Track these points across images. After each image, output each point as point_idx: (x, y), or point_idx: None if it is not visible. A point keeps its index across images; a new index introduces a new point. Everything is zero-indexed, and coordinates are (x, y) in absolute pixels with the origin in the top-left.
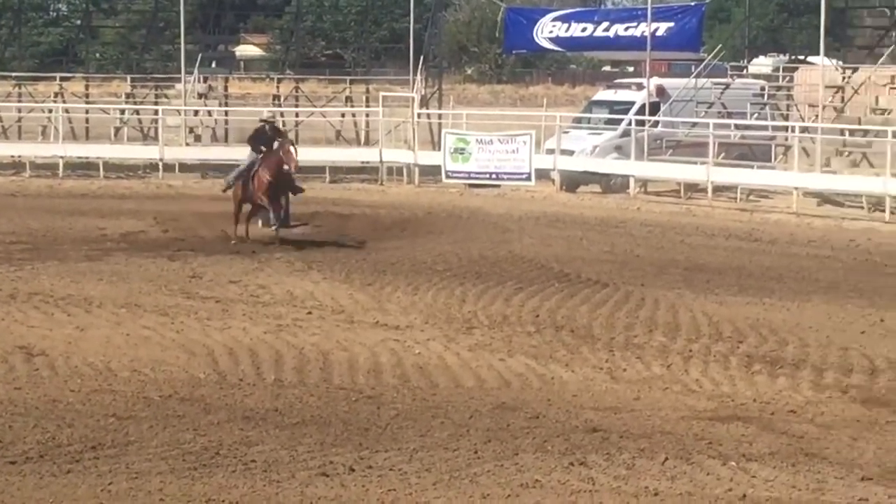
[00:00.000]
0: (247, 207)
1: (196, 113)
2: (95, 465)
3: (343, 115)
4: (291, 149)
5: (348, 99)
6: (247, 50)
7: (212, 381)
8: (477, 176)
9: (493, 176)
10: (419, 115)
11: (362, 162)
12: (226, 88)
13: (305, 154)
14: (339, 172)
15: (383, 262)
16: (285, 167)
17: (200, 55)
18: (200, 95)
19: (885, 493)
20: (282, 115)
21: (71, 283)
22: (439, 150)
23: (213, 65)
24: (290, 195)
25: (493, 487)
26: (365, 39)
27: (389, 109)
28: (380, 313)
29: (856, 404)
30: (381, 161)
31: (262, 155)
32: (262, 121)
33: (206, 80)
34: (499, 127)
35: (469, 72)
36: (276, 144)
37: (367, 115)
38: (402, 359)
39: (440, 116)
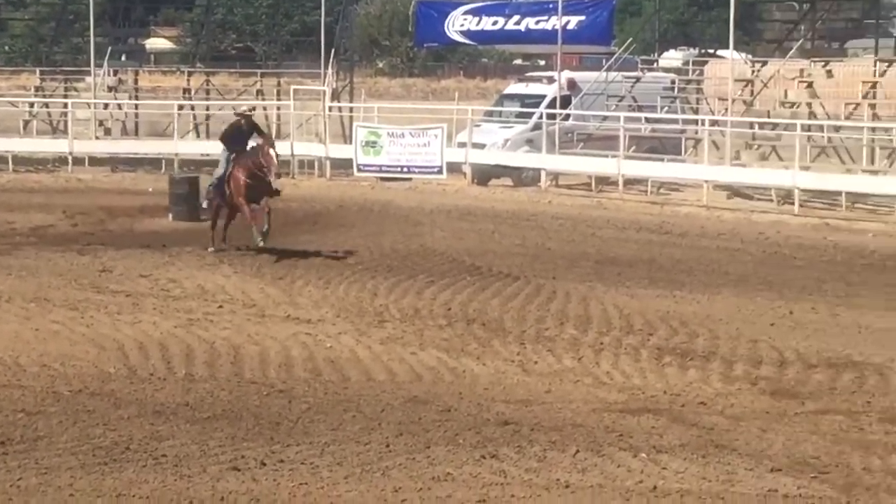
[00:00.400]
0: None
1: (106, 106)
2: (4, 461)
3: (254, 109)
4: (271, 152)
5: (259, 92)
6: (157, 43)
7: (122, 375)
8: (388, 169)
9: (405, 169)
10: (330, 109)
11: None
12: (136, 81)
13: (215, 148)
14: None
15: (294, 255)
16: (263, 170)
17: (110, 48)
18: (110, 88)
19: (794, 483)
20: (192, 108)
21: None
22: (351, 143)
23: (123, 58)
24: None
25: (404, 481)
26: (276, 32)
27: (301, 103)
28: (291, 307)
29: (765, 396)
30: (292, 154)
31: (234, 154)
32: (238, 115)
33: (115, 73)
34: (410, 120)
35: (381, 65)
36: (252, 142)
37: (279, 109)
38: (313, 353)
39: (351, 110)
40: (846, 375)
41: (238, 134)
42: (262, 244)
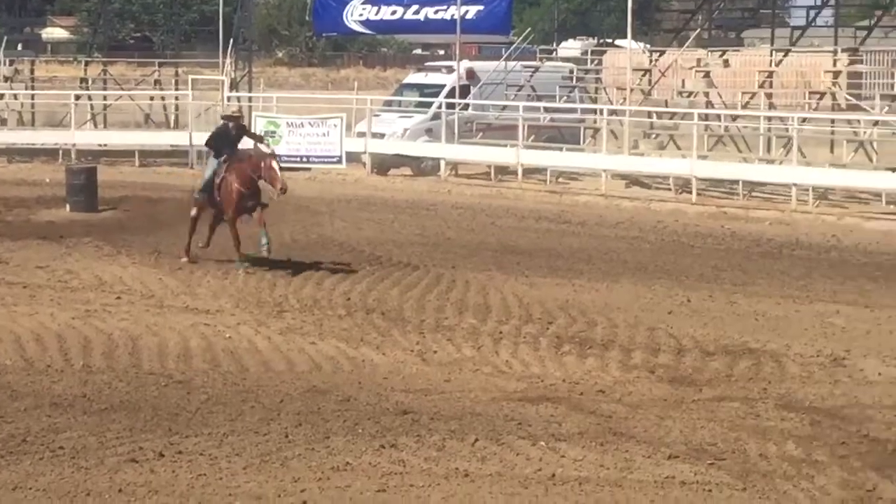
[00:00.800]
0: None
1: (1, 96)
2: None
3: (152, 99)
4: (275, 165)
5: (157, 82)
6: (54, 32)
7: (18, 367)
8: (288, 159)
9: (304, 159)
10: (229, 99)
11: (171, 145)
12: (32, 71)
13: (113, 138)
14: (149, 156)
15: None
16: (259, 177)
17: (6, 38)
18: (6, 78)
19: (691, 470)
20: (89, 97)
21: None
22: None
23: (20, 47)
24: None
25: (303, 471)
26: (174, 22)
27: (199, 92)
28: (189, 297)
29: (663, 384)
30: (190, 144)
31: (224, 158)
32: (224, 118)
33: (11, 62)
34: (309, 110)
35: (280, 55)
36: (243, 146)
37: (177, 99)
38: (212, 343)
39: (250, 99)
40: (743, 363)
41: (225, 137)
42: (267, 253)
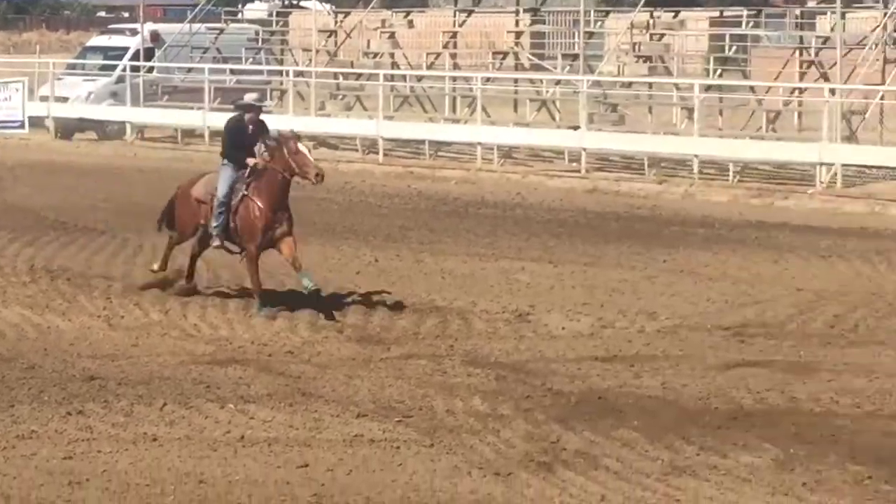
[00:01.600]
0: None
1: None
2: None
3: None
4: (302, 148)
5: None
6: None
7: None
8: None
9: None
10: None
11: None
12: None
13: None
14: None
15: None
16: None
17: None
18: None
19: (380, 428)
20: None
21: None
22: None
23: None
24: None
25: None
26: None
27: None
28: None
29: (351, 343)
30: None
31: (248, 171)
32: (239, 107)
33: None
34: None
35: None
36: (263, 150)
37: None
38: None
39: None
40: (430, 321)
41: (241, 136)
42: (313, 286)
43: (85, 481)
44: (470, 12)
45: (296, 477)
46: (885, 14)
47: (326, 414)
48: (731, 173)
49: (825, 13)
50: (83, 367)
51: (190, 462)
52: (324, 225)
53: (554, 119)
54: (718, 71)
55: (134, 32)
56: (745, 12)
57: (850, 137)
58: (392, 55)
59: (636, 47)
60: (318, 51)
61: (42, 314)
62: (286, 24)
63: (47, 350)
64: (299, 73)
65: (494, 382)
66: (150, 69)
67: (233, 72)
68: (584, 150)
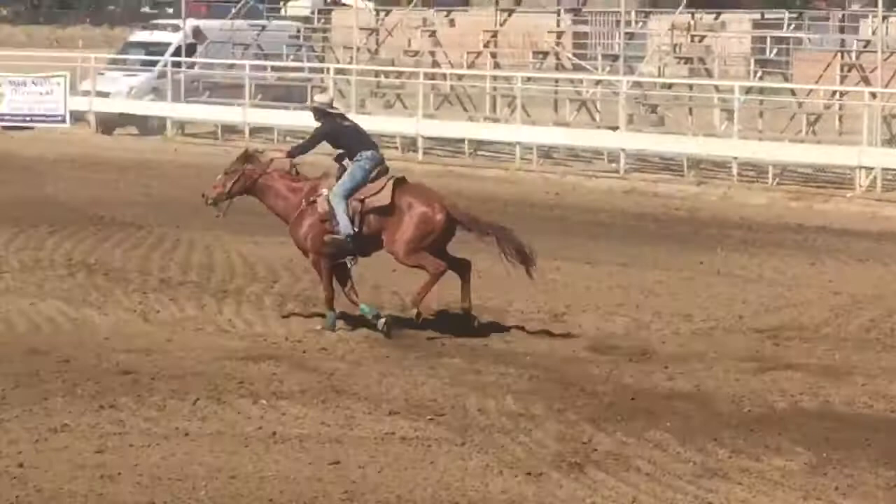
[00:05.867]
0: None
1: None
2: None
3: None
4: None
5: None
6: None
7: None
8: (10, 118)
9: (27, 118)
10: None
11: None
12: None
13: None
14: None
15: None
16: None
17: None
18: None
19: (412, 426)
20: None
21: None
22: None
23: None
24: None
25: (20, 432)
26: None
27: None
28: None
29: (384, 341)
30: None
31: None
32: (328, 112)
33: None
34: (33, 69)
35: (4, 12)
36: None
37: None
38: None
39: None
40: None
41: (352, 134)
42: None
43: (117, 475)
44: (511, 12)
45: (327, 474)
46: None
47: (359, 411)
48: (770, 176)
49: (867, 16)
50: (117, 361)
51: (222, 457)
52: None
53: (594, 119)
54: (759, 73)
55: (176, 28)
56: (786, 15)
57: (891, 141)
58: (433, 54)
59: (677, 48)
60: (359, 48)
61: (78, 308)
62: (328, 21)
63: (82, 343)
64: (340, 71)
65: (527, 382)
66: (192, 65)
67: (274, 69)
68: (623, 150)
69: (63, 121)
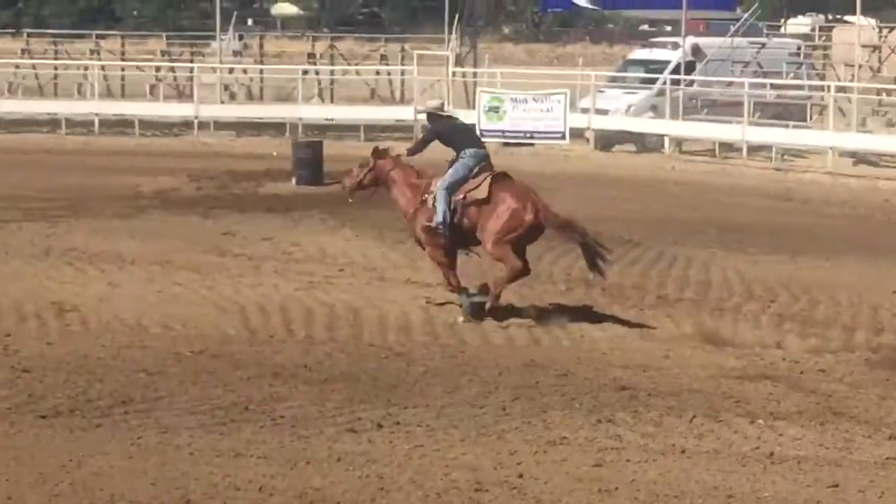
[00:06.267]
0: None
1: (231, 71)
2: (125, 420)
3: (378, 74)
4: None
5: (383, 57)
6: (283, 8)
7: (242, 337)
8: (511, 135)
9: (528, 135)
10: (454, 74)
11: (396, 120)
12: (261, 46)
13: (339, 113)
14: (374, 130)
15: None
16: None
17: (236, 13)
18: (236, 53)
19: None
20: (317, 73)
21: (104, 240)
22: (474, 109)
23: (250, 23)
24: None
25: (519, 444)
26: None
27: (425, 68)
28: (411, 271)
29: (883, 364)
30: (415, 119)
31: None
32: (439, 115)
33: (241, 37)
34: (533, 86)
35: (506, 31)
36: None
37: (403, 74)
38: (432, 316)
39: (475, 75)
40: None
41: (462, 131)
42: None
43: (614, 489)
44: None
45: (826, 497)
46: None
47: (858, 434)
48: None
49: None
50: (614, 376)
51: (719, 476)
52: (861, 242)
53: None
54: None
55: (675, 46)
56: None
57: None
58: None
59: None
60: (860, 66)
61: (580, 322)
62: (829, 38)
63: (580, 358)
64: (840, 89)
65: None
66: (691, 83)
67: (773, 86)
68: None
69: (563, 137)
